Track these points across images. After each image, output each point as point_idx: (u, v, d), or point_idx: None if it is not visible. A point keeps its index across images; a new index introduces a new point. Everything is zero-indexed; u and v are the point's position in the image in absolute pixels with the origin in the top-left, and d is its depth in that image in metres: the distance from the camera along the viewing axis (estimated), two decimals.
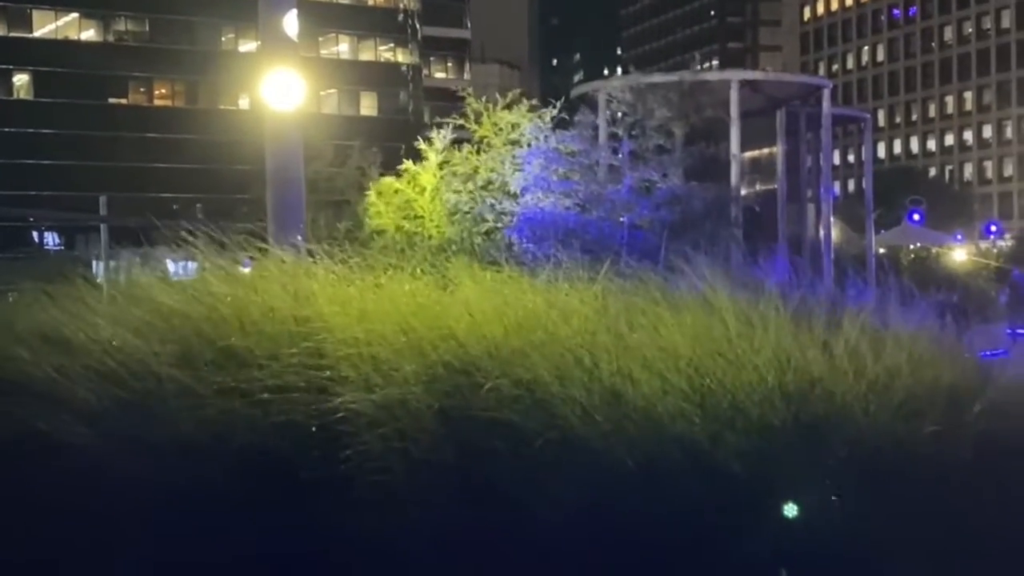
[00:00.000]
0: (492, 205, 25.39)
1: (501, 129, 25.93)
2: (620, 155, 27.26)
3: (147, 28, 77.91)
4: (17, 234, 58.84)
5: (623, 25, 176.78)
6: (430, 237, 24.92)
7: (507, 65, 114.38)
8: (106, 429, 6.69)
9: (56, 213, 59.87)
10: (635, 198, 25.77)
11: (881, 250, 44.06)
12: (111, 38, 77.82)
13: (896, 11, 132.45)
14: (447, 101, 32.98)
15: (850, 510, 5.74)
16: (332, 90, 78.69)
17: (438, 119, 30.26)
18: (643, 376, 6.14)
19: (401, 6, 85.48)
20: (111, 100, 76.12)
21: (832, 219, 38.18)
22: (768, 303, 6.73)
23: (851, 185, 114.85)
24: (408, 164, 26.30)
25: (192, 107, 77.78)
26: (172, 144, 74.01)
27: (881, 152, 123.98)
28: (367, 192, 27.26)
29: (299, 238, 10.13)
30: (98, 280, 8.81)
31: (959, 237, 60.42)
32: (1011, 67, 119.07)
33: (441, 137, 26.09)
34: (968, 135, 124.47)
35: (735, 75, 34.55)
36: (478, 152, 26.05)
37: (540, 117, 25.90)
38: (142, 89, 78.37)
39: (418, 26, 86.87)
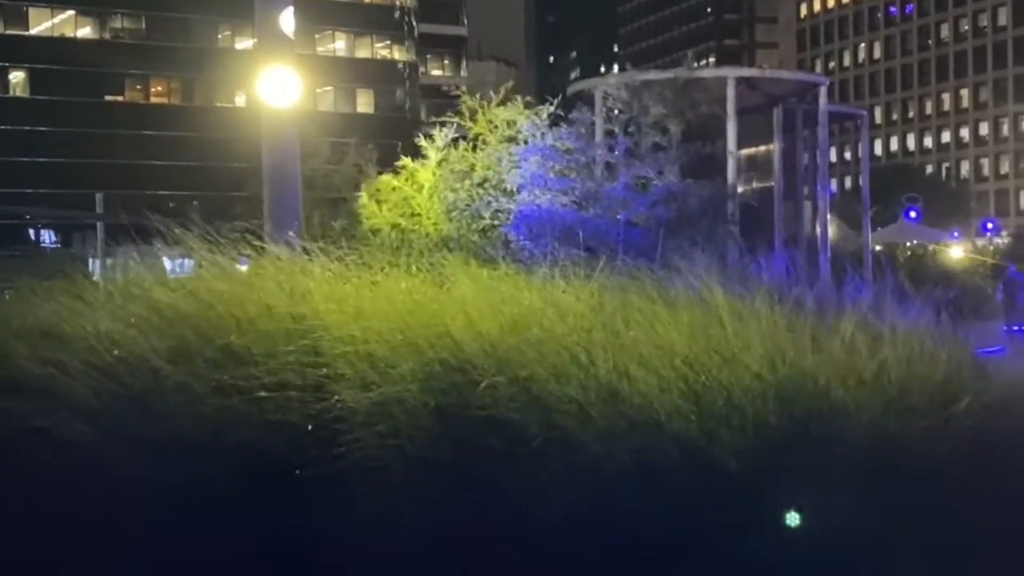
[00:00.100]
0: (489, 202, 25.38)
1: (496, 126, 25.91)
2: (616, 152, 27.24)
3: (143, 25, 77.83)
4: (13, 232, 58.64)
5: (620, 22, 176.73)
6: (427, 235, 24.91)
7: (504, 62, 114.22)
8: (104, 426, 6.69)
9: (52, 211, 59.90)
10: (631, 195, 25.76)
11: (877, 247, 44.04)
12: (107, 35, 77.75)
13: (893, 8, 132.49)
14: (444, 98, 32.92)
15: (845, 506, 5.75)
16: (328, 87, 78.62)
17: (434, 118, 30.23)
18: (639, 373, 6.14)
19: (397, 3, 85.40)
20: (107, 97, 76.06)
21: (829, 216, 38.18)
22: (764, 300, 6.74)
23: (848, 182, 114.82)
24: (406, 161, 26.27)
25: (188, 104, 77.71)
26: (168, 141, 73.96)
27: (878, 149, 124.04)
28: (361, 192, 27.21)
29: (295, 236, 10.13)
30: (95, 278, 8.81)
31: (955, 234, 60.47)
32: (1007, 64, 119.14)
33: (443, 135, 26.07)
34: (964, 132, 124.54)
35: (732, 72, 34.51)
36: (474, 149, 26.03)
37: (537, 114, 25.89)
38: (138, 87, 78.31)
39: (414, 23, 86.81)
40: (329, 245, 7.76)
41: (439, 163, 26.00)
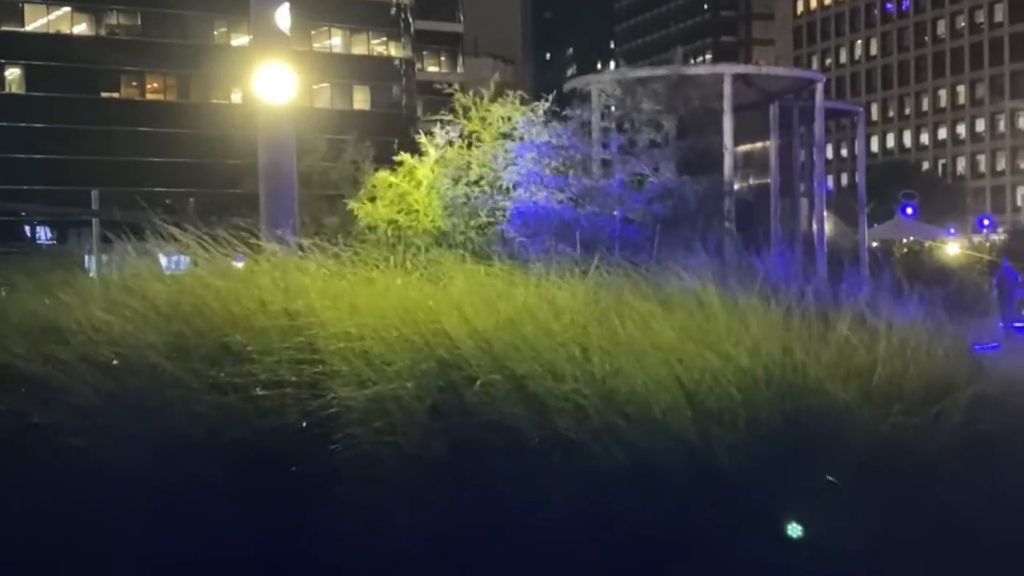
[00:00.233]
0: (486, 200, 25.36)
1: (490, 124, 25.86)
2: (612, 149, 27.24)
3: (139, 22, 77.80)
4: (9, 229, 58.69)
5: (616, 19, 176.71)
6: (424, 231, 24.89)
7: (500, 59, 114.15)
8: (101, 423, 6.69)
9: (48, 207, 59.84)
10: (627, 192, 25.76)
11: (874, 244, 44.09)
12: (103, 32, 77.73)
13: (889, 5, 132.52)
14: (440, 95, 32.90)
15: (839, 502, 5.75)
16: (325, 84, 78.64)
17: (430, 115, 30.18)
18: (635, 370, 6.14)
19: (394, 0, 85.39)
20: (103, 94, 76.05)
21: (825, 213, 38.21)
22: (759, 297, 6.74)
23: (844, 179, 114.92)
24: (405, 157, 26.22)
25: (184, 101, 77.69)
26: (164, 138, 73.92)
27: (874, 146, 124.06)
28: (358, 192, 27.16)
29: (291, 232, 10.14)
30: (91, 274, 8.82)
31: (952, 231, 60.57)
32: (1004, 61, 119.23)
33: (444, 132, 26.04)
34: (961, 129, 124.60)
35: (728, 69, 34.50)
36: (469, 147, 26.00)
37: (533, 111, 25.87)
38: (134, 83, 78.28)
39: (411, 20, 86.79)
40: (325, 242, 7.76)
41: (437, 160, 25.98)
